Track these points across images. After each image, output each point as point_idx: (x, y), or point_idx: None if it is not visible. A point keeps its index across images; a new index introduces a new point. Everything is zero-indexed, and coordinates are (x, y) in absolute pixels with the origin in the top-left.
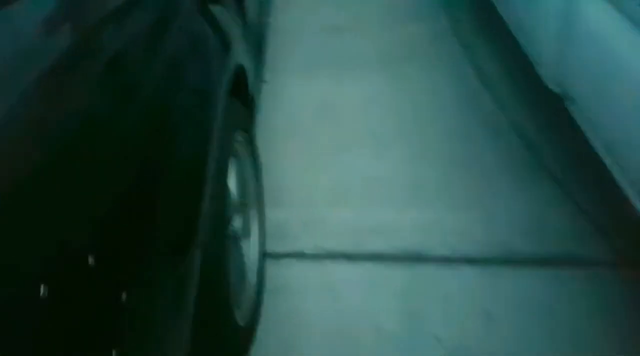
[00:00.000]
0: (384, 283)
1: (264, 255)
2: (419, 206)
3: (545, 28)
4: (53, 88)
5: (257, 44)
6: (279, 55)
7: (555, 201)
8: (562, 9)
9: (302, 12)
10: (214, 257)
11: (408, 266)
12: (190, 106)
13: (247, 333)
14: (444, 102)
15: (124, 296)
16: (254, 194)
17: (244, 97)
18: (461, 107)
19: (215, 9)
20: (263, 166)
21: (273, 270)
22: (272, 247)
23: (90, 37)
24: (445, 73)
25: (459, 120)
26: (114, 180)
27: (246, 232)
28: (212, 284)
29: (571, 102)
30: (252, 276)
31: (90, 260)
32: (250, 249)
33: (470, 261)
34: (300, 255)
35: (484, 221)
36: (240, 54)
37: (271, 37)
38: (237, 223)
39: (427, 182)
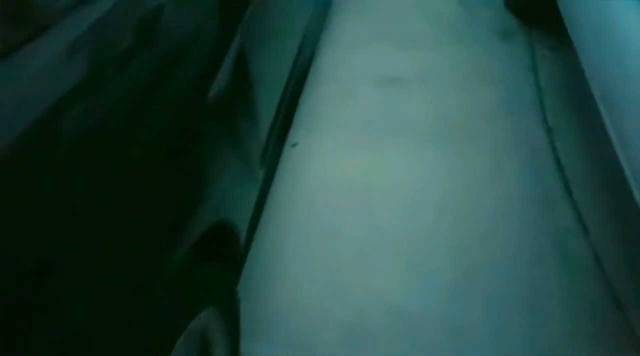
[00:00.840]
0: None
1: None
2: None
3: None
4: None
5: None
6: (318, 111)
7: None
8: None
9: (356, 55)
10: None
11: None
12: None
13: None
14: (509, 206)
15: None
16: None
17: (228, 256)
18: (530, 217)
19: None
20: (260, 267)
21: None
22: None
23: None
24: (518, 162)
25: (523, 237)
26: None
27: None
28: None
29: None
30: None
31: None
32: None
33: None
34: None
35: None
36: (226, 207)
37: (313, 85)
38: None
39: (469, 328)
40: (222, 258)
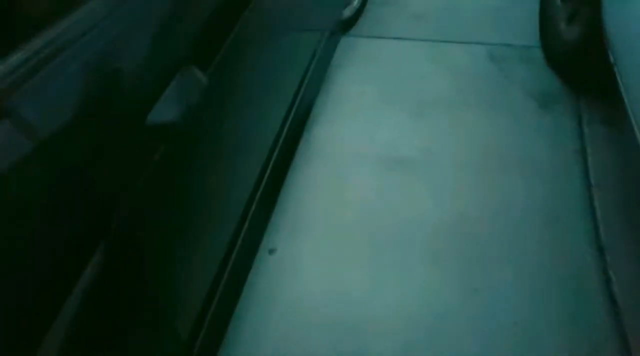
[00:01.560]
0: None
1: None
2: None
3: None
4: None
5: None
6: (305, 204)
7: None
8: None
9: (358, 125)
10: None
11: None
12: None
13: None
14: None
15: None
16: None
17: None
18: None
19: None
20: None
21: None
22: None
23: None
24: (558, 300)
25: None
26: None
27: None
28: None
29: None
30: None
31: None
32: None
33: None
34: None
35: None
36: None
37: (302, 166)
38: None
39: None
40: None
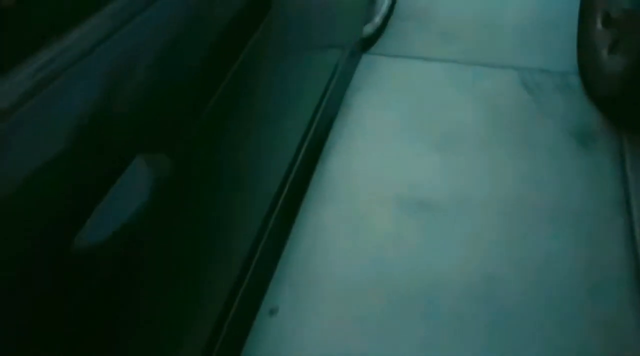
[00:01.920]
0: None
1: None
2: None
3: None
4: None
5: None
6: (314, 253)
7: None
8: None
9: (376, 159)
10: None
11: None
12: None
13: None
14: None
15: None
16: None
17: None
18: None
19: None
20: None
21: None
22: None
23: None
24: None
25: None
26: None
27: None
28: None
29: None
30: None
31: None
32: None
33: None
34: None
35: None
36: None
37: (312, 207)
38: None
39: None
40: None
